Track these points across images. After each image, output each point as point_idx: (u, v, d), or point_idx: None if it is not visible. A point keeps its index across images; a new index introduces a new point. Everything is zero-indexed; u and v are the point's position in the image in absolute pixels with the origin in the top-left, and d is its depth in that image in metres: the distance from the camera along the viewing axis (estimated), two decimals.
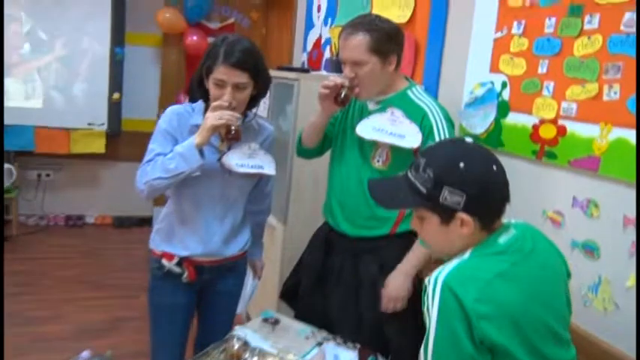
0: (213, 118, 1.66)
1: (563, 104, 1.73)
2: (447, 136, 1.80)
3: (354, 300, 1.92)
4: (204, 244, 1.85)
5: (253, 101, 1.84)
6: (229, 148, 1.81)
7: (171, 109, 1.82)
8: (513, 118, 1.94)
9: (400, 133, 1.80)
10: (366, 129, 1.85)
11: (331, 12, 3.41)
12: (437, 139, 1.78)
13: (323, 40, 3.52)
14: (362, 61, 1.75)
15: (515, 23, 1.93)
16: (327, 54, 3.42)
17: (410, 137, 1.79)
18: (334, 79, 1.81)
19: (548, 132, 1.79)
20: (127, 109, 4.84)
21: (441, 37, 2.36)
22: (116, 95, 4.65)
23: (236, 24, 4.83)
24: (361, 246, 1.94)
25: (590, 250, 1.65)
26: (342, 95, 1.80)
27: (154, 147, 1.76)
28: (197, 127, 1.76)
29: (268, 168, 1.87)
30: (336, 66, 2.88)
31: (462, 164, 1.14)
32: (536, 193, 1.86)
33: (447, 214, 1.17)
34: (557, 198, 1.78)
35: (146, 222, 4.97)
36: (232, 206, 1.90)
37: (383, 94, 1.88)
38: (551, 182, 1.80)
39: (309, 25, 3.75)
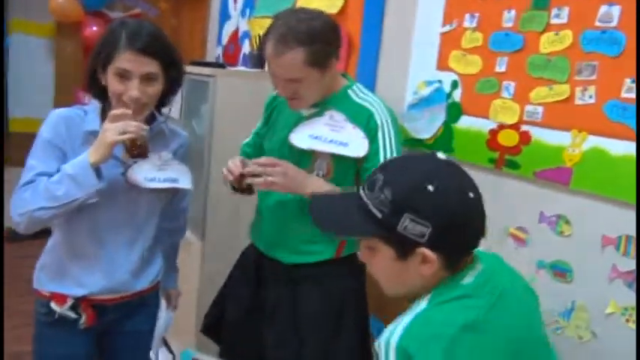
0: (114, 131, 1.31)
1: (527, 107, 1.54)
2: (393, 142, 1.54)
3: (293, 339, 1.63)
4: (106, 278, 1.49)
5: (163, 99, 1.51)
6: (135, 160, 1.46)
7: (56, 114, 1.43)
8: (466, 122, 1.73)
9: (342, 140, 1.52)
10: (302, 137, 1.56)
11: (249, 2, 3.08)
12: (380, 143, 1.53)
13: (240, 33, 3.18)
14: (299, 78, 1.47)
15: (467, 16, 1.72)
16: (245, 48, 3.09)
17: (354, 144, 1.52)
18: (233, 168, 1.56)
19: (508, 139, 1.59)
20: (16, 108, 4.24)
21: (377, 30, 2.11)
22: None
23: (142, 14, 4.35)
24: (299, 273, 1.65)
25: (560, 271, 1.46)
26: (245, 185, 1.56)
27: (33, 163, 1.37)
28: (93, 134, 1.40)
29: (183, 181, 1.54)
30: (257, 61, 2.56)
31: (430, 186, 0.91)
32: (495, 207, 1.64)
33: (405, 248, 0.94)
34: (520, 213, 1.58)
35: (45, 233, 4.38)
36: (141, 229, 1.54)
37: (317, 99, 1.58)
38: (514, 195, 1.60)
39: (225, 16, 3.39)
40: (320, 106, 1.58)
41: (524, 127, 1.55)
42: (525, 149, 1.55)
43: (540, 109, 1.50)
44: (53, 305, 1.45)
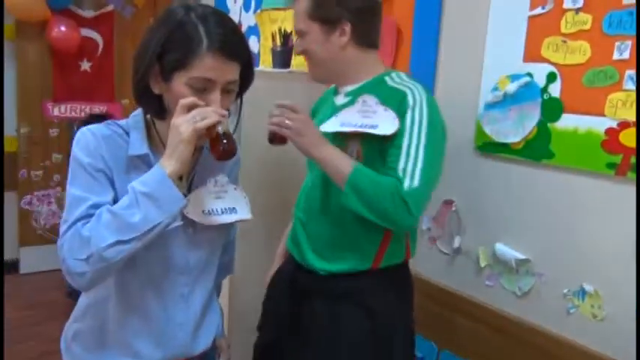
0: (191, 121, 0.97)
1: None
2: (424, 124, 1.30)
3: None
4: (163, 345, 1.14)
5: None
6: (189, 190, 1.12)
7: (91, 132, 1.06)
8: (571, 121, 1.47)
9: (371, 124, 1.33)
10: (332, 126, 1.39)
11: None
12: (408, 122, 1.30)
13: (244, 29, 2.84)
14: (302, 30, 1.42)
15: None
16: (252, 45, 2.75)
17: (383, 124, 1.32)
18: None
19: (634, 139, 1.34)
20: None
21: (435, 15, 1.82)
22: None
23: (116, 12, 3.92)
24: (337, 286, 1.46)
25: None
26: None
27: (81, 194, 1.01)
28: (140, 159, 1.06)
29: (242, 210, 1.21)
30: (282, 58, 2.23)
31: None
32: (618, 221, 1.39)
33: None
34: None
35: (12, 268, 3.90)
36: (201, 277, 1.20)
37: (352, 83, 1.45)
38: None
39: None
40: (352, 94, 1.43)
41: None
42: None
43: None
44: None
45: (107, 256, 0.95)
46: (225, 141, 1.01)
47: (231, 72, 1.02)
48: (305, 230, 1.51)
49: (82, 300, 1.18)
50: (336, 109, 1.44)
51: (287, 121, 1.32)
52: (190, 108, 0.99)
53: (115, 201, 1.03)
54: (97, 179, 1.02)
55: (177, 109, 0.99)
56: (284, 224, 1.85)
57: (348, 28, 1.38)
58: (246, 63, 1.06)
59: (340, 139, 1.38)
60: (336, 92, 1.51)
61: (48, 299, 3.62)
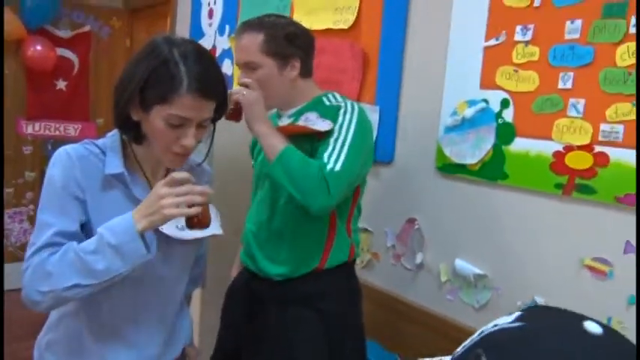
0: (176, 203, 1.01)
1: (603, 127, 1.40)
2: (352, 129, 1.46)
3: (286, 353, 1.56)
4: (135, 354, 1.19)
5: None
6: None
7: (66, 153, 1.11)
8: (523, 145, 1.57)
9: (310, 125, 1.50)
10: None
11: (229, 17, 2.83)
12: (339, 120, 1.48)
13: (219, 52, 2.92)
14: (255, 63, 1.52)
15: (518, 28, 1.57)
16: (226, 68, 2.83)
17: (320, 125, 1.49)
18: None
19: (579, 161, 1.45)
20: None
21: (399, 45, 1.93)
22: None
23: (92, 33, 3.97)
24: (290, 291, 1.60)
25: None
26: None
27: (48, 220, 1.06)
28: (115, 178, 1.12)
29: (214, 226, 1.26)
30: None
31: None
32: (565, 237, 1.50)
33: None
34: (598, 243, 1.43)
35: None
36: (173, 289, 1.27)
37: (294, 106, 1.61)
38: (588, 223, 1.45)
39: (197, 33, 3.12)
40: (295, 115, 1.59)
41: (599, 148, 1.41)
42: (602, 172, 1.40)
43: (620, 127, 1.37)
44: None
45: (64, 295, 1.02)
46: (201, 216, 1.05)
47: (208, 110, 1.09)
48: (256, 240, 1.64)
49: (54, 313, 1.22)
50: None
51: (244, 92, 1.47)
52: (181, 183, 1.03)
53: (87, 222, 1.08)
54: (66, 205, 1.07)
55: (167, 179, 1.04)
56: None
57: (297, 63, 1.54)
58: (223, 101, 1.13)
59: None
60: (279, 116, 1.65)
61: (14, 317, 3.57)
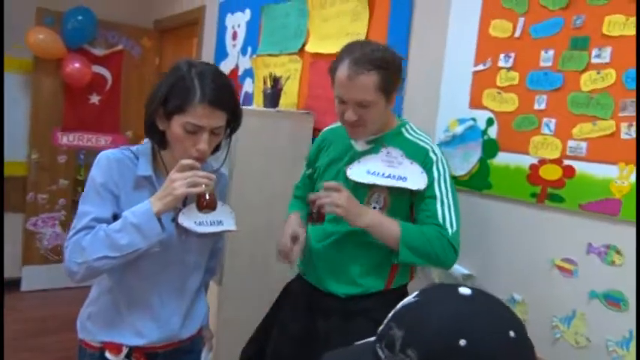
0: (184, 183, 1.26)
1: (570, 143, 1.60)
2: (447, 177, 1.60)
3: None
4: (162, 327, 1.43)
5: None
6: (184, 204, 1.42)
7: (106, 156, 1.37)
8: (504, 158, 1.78)
9: (400, 175, 1.57)
10: (359, 173, 1.60)
11: (252, 40, 3.10)
12: (435, 175, 1.58)
13: (240, 72, 3.19)
14: (370, 102, 1.53)
15: (501, 56, 1.79)
16: (247, 86, 3.09)
17: (413, 178, 1.57)
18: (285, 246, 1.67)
19: (550, 173, 1.65)
20: None
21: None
22: None
23: (125, 52, 4.29)
24: (354, 306, 1.65)
25: (614, 301, 1.50)
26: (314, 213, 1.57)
27: (87, 209, 1.32)
28: (145, 179, 1.36)
29: (228, 223, 1.51)
30: (271, 99, 2.56)
31: (462, 341, 0.68)
32: (539, 240, 1.70)
33: None
34: (566, 245, 1.62)
35: (13, 285, 4.13)
36: (191, 274, 1.50)
37: (373, 133, 1.66)
38: (558, 228, 1.65)
39: (222, 54, 3.39)
40: (375, 142, 1.65)
41: (567, 162, 1.61)
42: (569, 183, 1.60)
43: (584, 144, 1.57)
44: (108, 355, 1.37)
45: (95, 266, 1.26)
46: (207, 198, 1.30)
47: (218, 119, 1.32)
48: (326, 262, 1.68)
49: (94, 289, 1.47)
50: (356, 154, 1.66)
51: (338, 201, 1.49)
52: (189, 168, 1.28)
53: (119, 214, 1.32)
54: (103, 198, 1.32)
55: (177, 165, 1.28)
56: (268, 243, 2.10)
57: (395, 94, 1.61)
58: (233, 111, 1.36)
59: (364, 185, 1.59)
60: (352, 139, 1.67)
61: (44, 315, 3.83)
